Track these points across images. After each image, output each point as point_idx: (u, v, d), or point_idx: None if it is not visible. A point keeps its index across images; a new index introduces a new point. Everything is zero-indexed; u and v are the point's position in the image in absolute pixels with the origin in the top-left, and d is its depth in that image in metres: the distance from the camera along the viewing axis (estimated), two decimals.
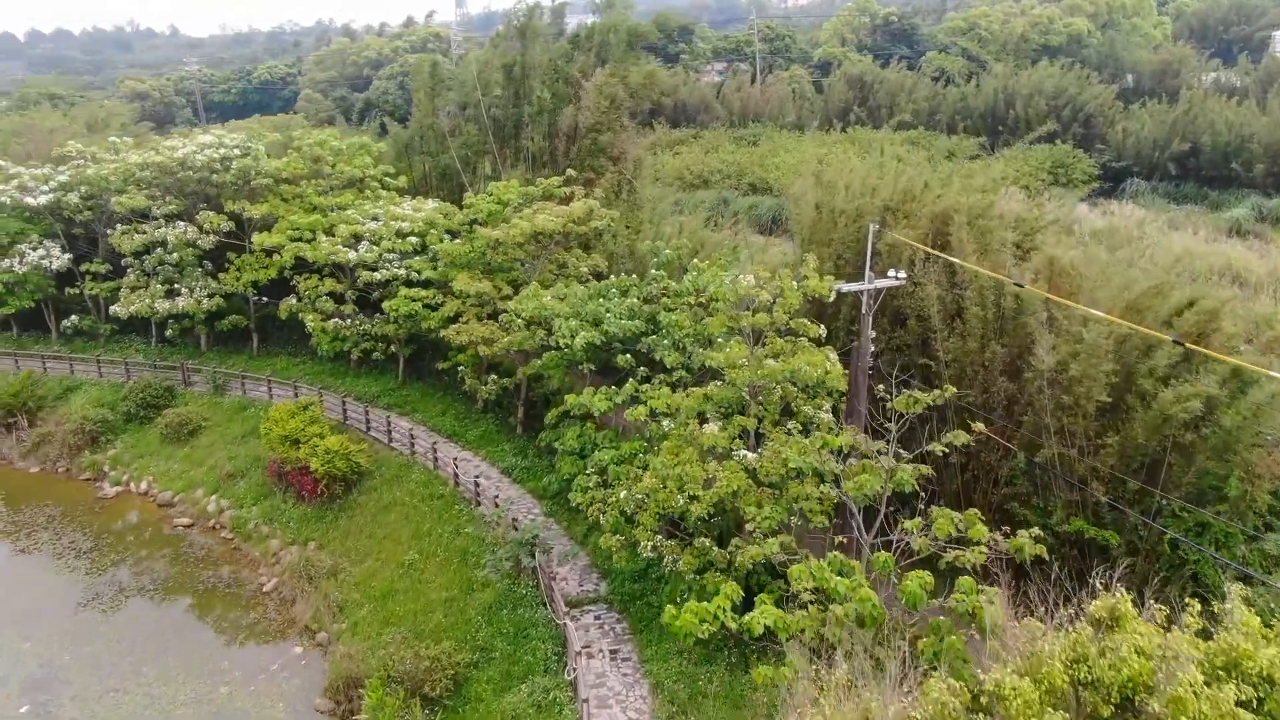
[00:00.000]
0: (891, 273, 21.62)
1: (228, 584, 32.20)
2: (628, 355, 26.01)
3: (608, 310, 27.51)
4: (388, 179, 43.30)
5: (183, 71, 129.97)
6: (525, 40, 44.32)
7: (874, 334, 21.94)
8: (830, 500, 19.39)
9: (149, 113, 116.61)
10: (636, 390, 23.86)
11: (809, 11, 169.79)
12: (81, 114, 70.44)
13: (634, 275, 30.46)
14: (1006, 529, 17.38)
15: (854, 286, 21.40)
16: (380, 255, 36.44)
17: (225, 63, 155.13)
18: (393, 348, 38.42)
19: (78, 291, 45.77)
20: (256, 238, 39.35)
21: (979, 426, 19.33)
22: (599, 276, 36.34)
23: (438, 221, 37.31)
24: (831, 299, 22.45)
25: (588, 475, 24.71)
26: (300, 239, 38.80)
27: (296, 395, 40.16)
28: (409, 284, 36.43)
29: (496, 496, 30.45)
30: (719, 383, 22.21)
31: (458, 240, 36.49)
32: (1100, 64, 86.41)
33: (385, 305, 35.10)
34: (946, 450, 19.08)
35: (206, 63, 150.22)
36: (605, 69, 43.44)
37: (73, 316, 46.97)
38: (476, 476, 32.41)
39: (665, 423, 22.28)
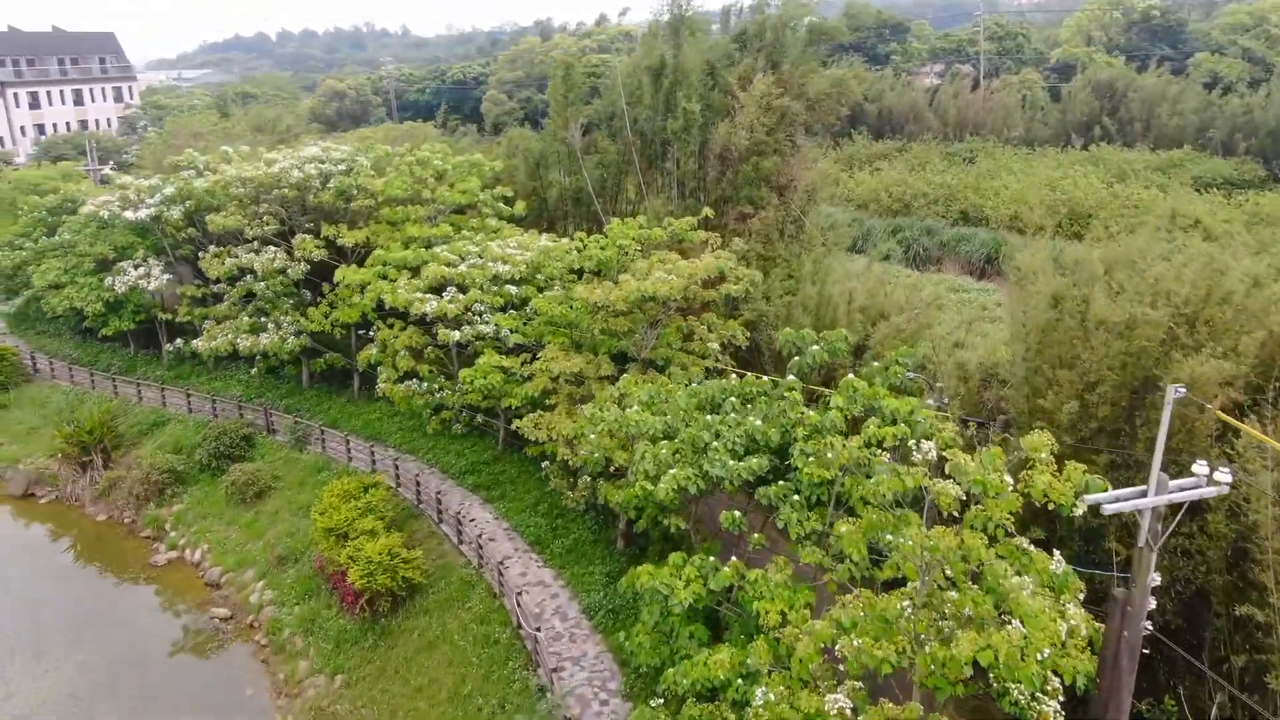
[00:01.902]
0: (1201, 468, 11.54)
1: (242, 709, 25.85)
2: (769, 488, 17.30)
3: (716, 434, 18.60)
4: (502, 205, 36.00)
5: (380, 71, 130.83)
6: (678, 38, 35.80)
7: (1156, 577, 11.91)
8: None
9: (345, 112, 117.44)
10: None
11: (1046, 6, 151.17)
12: (251, 116, 68.55)
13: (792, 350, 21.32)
14: None
15: (1130, 504, 11.48)
16: (466, 307, 29.01)
17: (441, 61, 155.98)
18: (480, 418, 31.05)
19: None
20: (339, 272, 33.06)
21: None
22: (739, 355, 27.38)
23: (546, 266, 29.44)
24: (1079, 510, 12.54)
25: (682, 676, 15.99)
26: (386, 276, 32.14)
27: (374, 462, 33.62)
28: (499, 345, 28.88)
29: (559, 668, 22.22)
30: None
31: (557, 290, 28.53)
32: None
33: (461, 374, 27.65)
34: None
35: (428, 62, 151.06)
36: (775, 74, 34.23)
37: (178, 340, 42.90)
38: (551, 613, 24.45)
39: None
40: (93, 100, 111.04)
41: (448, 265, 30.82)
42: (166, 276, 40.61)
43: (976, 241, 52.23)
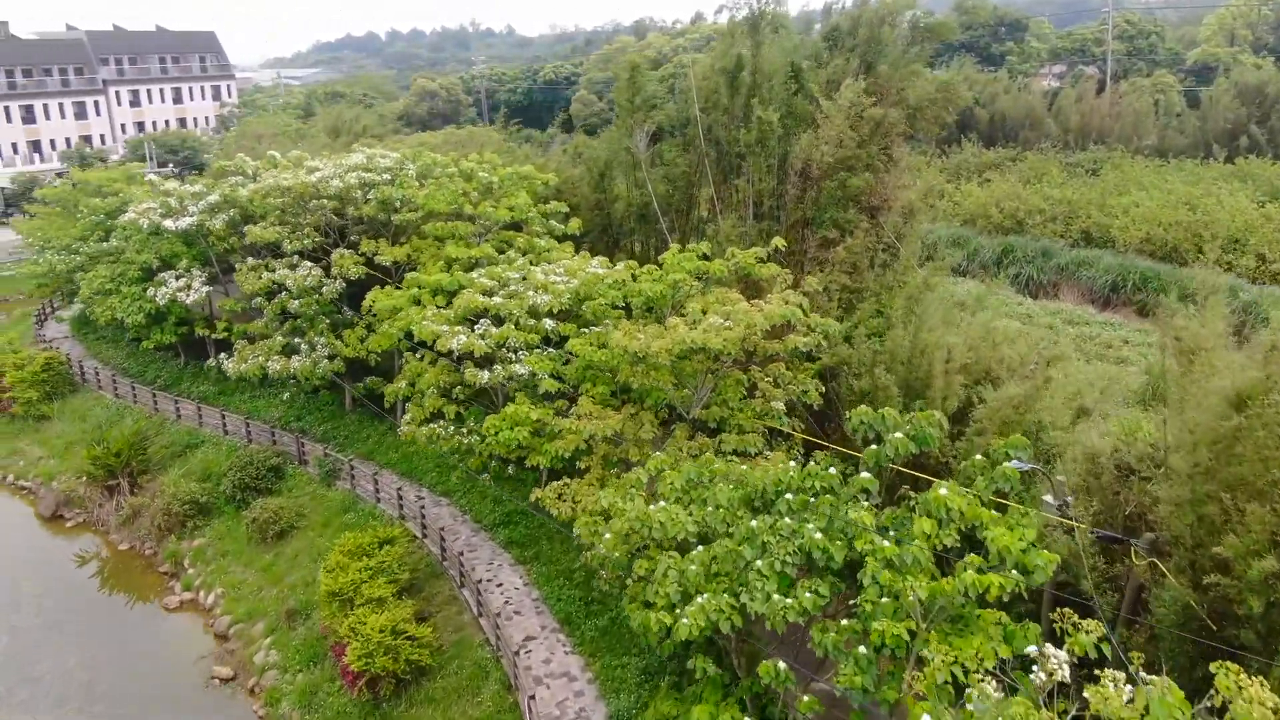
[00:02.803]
0: None
1: None
2: (827, 634, 12.95)
3: (763, 547, 14.26)
4: (555, 223, 32.13)
5: (472, 70, 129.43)
6: (758, 35, 31.38)
7: None
8: None
9: (436, 112, 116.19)
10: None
11: (1182, 2, 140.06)
12: (328, 117, 66.78)
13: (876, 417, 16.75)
14: None
15: None
16: (499, 343, 25.26)
17: (541, 61, 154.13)
18: (511, 469, 27.30)
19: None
20: (370, 296, 29.79)
21: None
22: (810, 416, 22.92)
23: (592, 297, 25.42)
24: None
25: None
26: (420, 302, 28.70)
27: (400, 506, 30.25)
28: (534, 390, 25.04)
29: None
30: None
31: (604, 328, 24.52)
32: None
33: (486, 424, 23.89)
34: None
35: (528, 61, 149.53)
36: (870, 77, 29.52)
37: (221, 354, 40.53)
38: (572, 717, 20.53)
39: None
40: (191, 99, 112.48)
41: (485, 293, 27.15)
42: (206, 288, 38.21)
43: (1100, 267, 46.05)
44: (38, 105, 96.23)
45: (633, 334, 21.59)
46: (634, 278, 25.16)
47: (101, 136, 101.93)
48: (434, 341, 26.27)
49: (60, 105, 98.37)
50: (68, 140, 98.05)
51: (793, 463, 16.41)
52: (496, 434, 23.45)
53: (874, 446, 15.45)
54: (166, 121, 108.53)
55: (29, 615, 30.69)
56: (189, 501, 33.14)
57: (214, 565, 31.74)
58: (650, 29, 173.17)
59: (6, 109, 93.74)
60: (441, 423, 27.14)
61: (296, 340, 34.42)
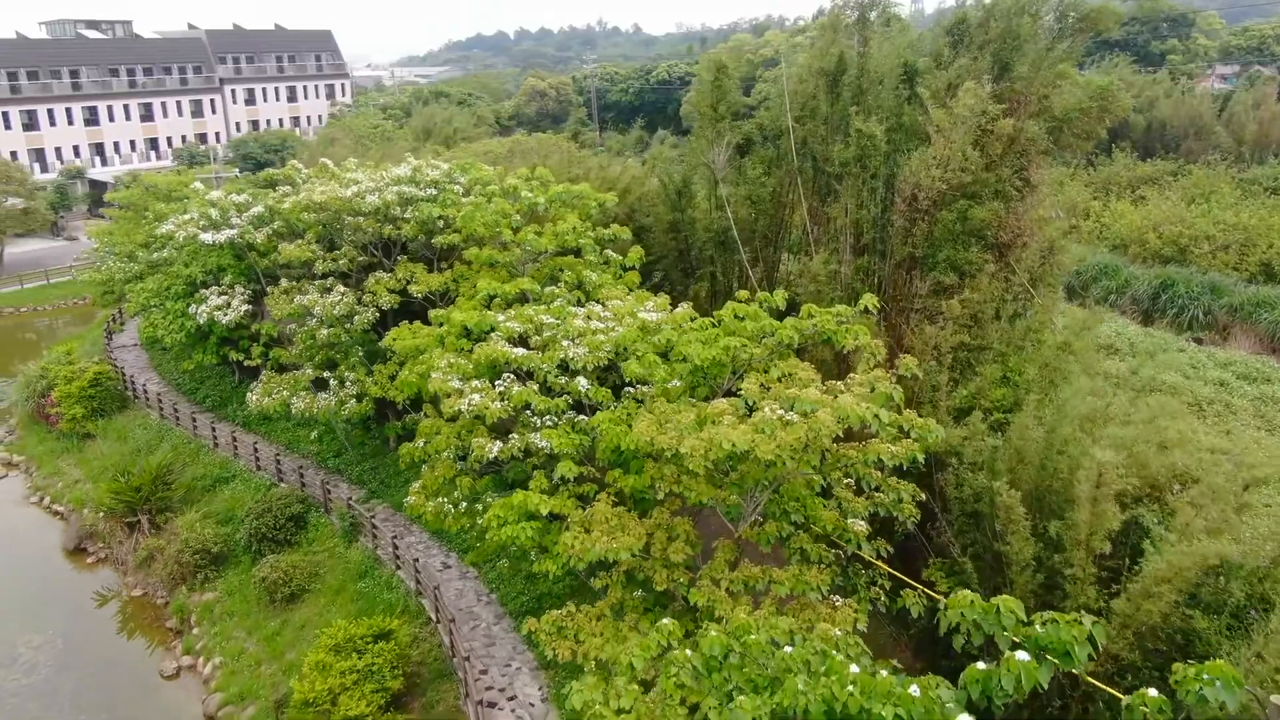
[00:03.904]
0: None
1: None
2: None
3: None
4: (610, 252, 27.16)
5: (584, 70, 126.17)
6: (864, 31, 25.70)
7: None
8: None
9: (545, 112, 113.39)
10: None
11: None
12: (421, 118, 63.95)
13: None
14: None
15: None
16: (517, 407, 20.55)
17: (661, 59, 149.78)
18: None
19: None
20: (390, 335, 25.62)
21: None
22: (927, 544, 17.44)
23: (635, 352, 20.35)
24: None
25: None
26: (445, 342, 24.29)
27: (417, 579, 25.98)
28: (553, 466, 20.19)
29: None
30: None
31: (648, 388, 19.52)
32: None
33: (488, 516, 19.19)
34: None
35: (651, 60, 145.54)
36: (1005, 81, 23.51)
37: (254, 383, 37.36)
38: None
39: None
40: (305, 97, 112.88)
41: (513, 339, 22.51)
42: (246, 307, 34.97)
43: None
44: (156, 103, 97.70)
45: (665, 417, 16.50)
46: (684, 331, 20.02)
47: (216, 134, 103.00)
48: (443, 395, 21.79)
49: (178, 103, 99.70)
50: (183, 138, 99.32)
51: (855, 667, 10.97)
52: (500, 526, 18.74)
53: (981, 666, 9.90)
54: (280, 120, 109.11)
55: (21, 673, 27.83)
56: (201, 550, 29.80)
57: (219, 627, 28.25)
58: (773, 26, 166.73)
59: (126, 107, 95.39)
60: (456, 494, 22.60)
61: (326, 374, 30.70)
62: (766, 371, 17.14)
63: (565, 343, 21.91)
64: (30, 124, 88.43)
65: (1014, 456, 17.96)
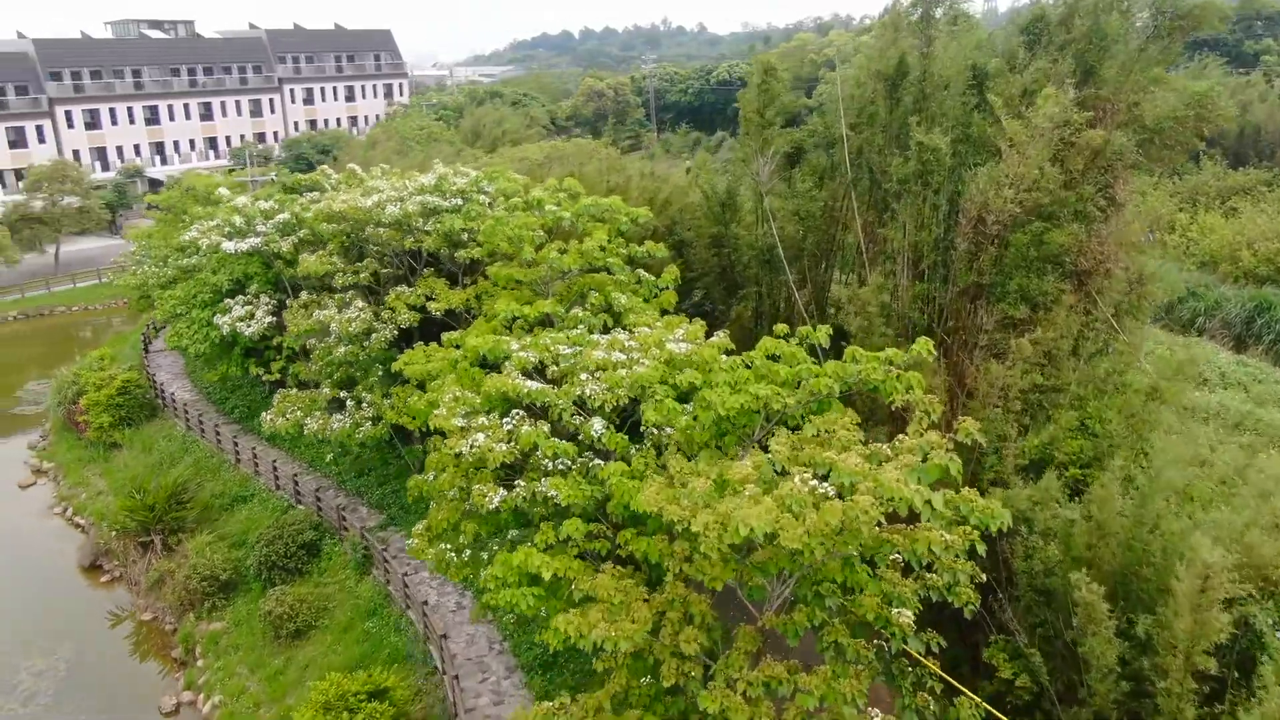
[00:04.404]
0: None
1: None
2: None
3: None
4: (645, 271, 24.83)
5: (642, 70, 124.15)
6: (929, 30, 23.00)
7: None
8: None
9: (603, 112, 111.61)
10: None
11: None
12: (470, 120, 62.37)
13: None
14: None
15: None
16: (525, 450, 18.42)
17: (725, 59, 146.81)
18: None
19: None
20: (402, 359, 23.70)
21: None
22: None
23: (651, 390, 18.02)
24: None
25: None
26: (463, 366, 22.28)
27: (425, 623, 24.04)
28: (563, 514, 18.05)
29: None
30: None
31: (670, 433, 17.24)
32: None
33: (488, 573, 17.10)
34: None
35: (715, 60, 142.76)
36: (1085, 87, 20.69)
37: (294, 390, 35.97)
38: None
39: None
40: (363, 97, 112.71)
41: (527, 370, 20.42)
42: (270, 319, 33.49)
43: None
44: (215, 103, 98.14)
45: (683, 476, 14.22)
46: (709, 370, 17.68)
47: (275, 134, 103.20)
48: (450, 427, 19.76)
49: (236, 103, 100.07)
50: (241, 137, 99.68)
51: None
52: (499, 589, 16.63)
53: None
54: (338, 120, 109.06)
55: (18, 703, 26.61)
56: (209, 577, 28.32)
57: (222, 661, 26.71)
58: (839, 26, 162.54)
59: (186, 106, 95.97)
60: (462, 539, 20.54)
61: (344, 394, 29.01)
62: (799, 428, 14.71)
63: (583, 376, 19.75)
64: (93, 123, 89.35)
65: (1094, 530, 15.26)
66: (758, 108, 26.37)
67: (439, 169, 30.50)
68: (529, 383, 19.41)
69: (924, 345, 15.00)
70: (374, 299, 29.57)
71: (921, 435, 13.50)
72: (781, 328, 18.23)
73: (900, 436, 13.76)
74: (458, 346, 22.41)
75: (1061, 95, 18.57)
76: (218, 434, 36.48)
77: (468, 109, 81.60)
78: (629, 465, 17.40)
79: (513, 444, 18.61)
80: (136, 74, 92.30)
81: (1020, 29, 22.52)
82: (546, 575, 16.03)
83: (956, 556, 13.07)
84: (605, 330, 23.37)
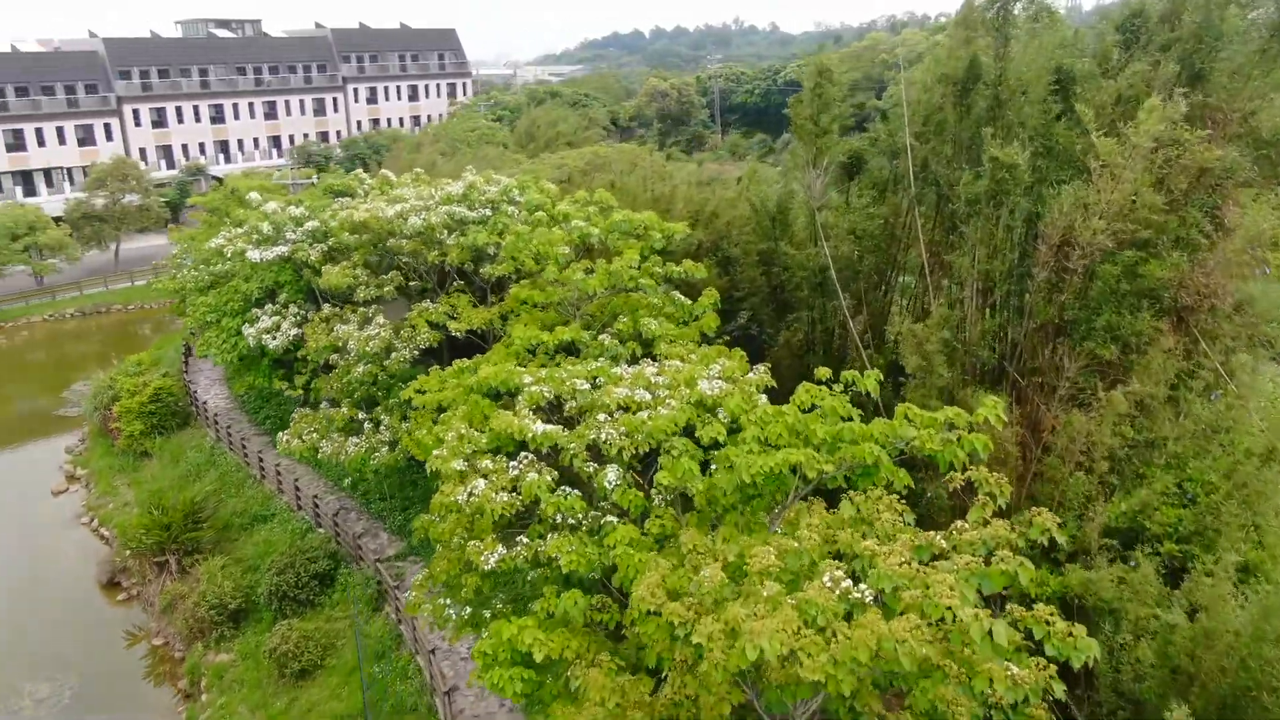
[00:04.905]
0: None
1: None
2: None
3: None
4: (681, 295, 22.50)
5: (707, 70, 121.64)
6: (1006, 28, 20.23)
7: None
8: None
9: (666, 113, 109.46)
10: None
11: None
12: (524, 121, 60.73)
13: None
14: None
15: None
16: (529, 502, 16.30)
17: (792, 59, 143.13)
18: None
19: None
20: (411, 387, 21.84)
21: None
22: None
23: (683, 461, 15.67)
24: None
25: None
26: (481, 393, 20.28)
27: (430, 679, 22.10)
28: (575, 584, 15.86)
29: None
30: None
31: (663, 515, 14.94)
32: None
33: (477, 646, 15.00)
34: None
35: (786, 60, 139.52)
36: (1194, 94, 17.77)
37: (324, 405, 34.54)
38: None
39: None
40: (426, 96, 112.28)
41: (539, 405, 18.34)
42: (295, 331, 32.00)
43: None
44: (280, 101, 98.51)
45: (696, 557, 11.93)
46: (737, 423, 15.32)
47: (337, 133, 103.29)
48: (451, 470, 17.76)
49: (300, 102, 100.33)
50: (305, 136, 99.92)
51: None
52: (487, 668, 14.53)
53: None
54: (400, 119, 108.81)
55: None
56: (217, 605, 26.87)
57: (225, 699, 25.16)
58: (913, 25, 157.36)
59: (251, 105, 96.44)
60: (464, 593, 18.51)
61: (362, 415, 27.32)
62: (846, 489, 12.29)
63: (601, 417, 17.56)
64: (159, 121, 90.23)
65: (1199, 637, 12.51)
66: (811, 114, 23.80)
67: (468, 176, 28.59)
68: (537, 425, 17.31)
69: (992, 409, 12.43)
70: (399, 313, 27.81)
71: (985, 523, 10.95)
72: (823, 371, 15.79)
73: (959, 524, 11.23)
74: (458, 377, 20.43)
75: (1171, 108, 15.71)
76: (244, 447, 35.22)
77: (525, 109, 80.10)
78: (641, 528, 15.20)
79: (515, 494, 16.52)
80: (203, 73, 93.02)
81: (1114, 27, 19.63)
82: (539, 655, 13.88)
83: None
84: (634, 360, 21.19)
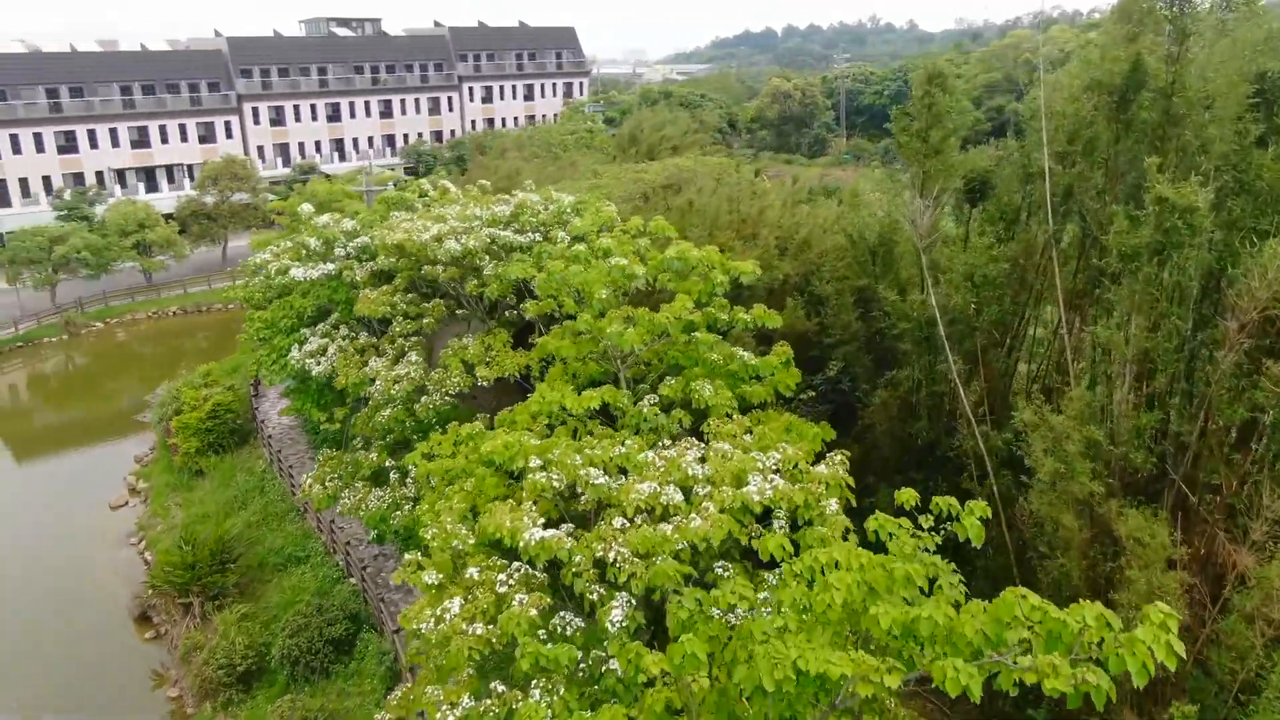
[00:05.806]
0: None
1: None
2: None
3: None
4: (742, 352, 18.26)
5: (834, 69, 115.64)
6: (1181, 19, 15.21)
7: None
8: None
9: (789, 115, 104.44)
10: None
11: None
12: (626, 126, 57.26)
13: None
14: None
15: None
16: (507, 638, 12.57)
17: (923, 58, 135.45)
18: None
19: None
20: (415, 452, 18.47)
21: None
22: None
23: (694, 641, 11.63)
24: None
25: None
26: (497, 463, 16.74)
27: None
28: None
29: None
30: None
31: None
32: None
33: None
34: None
35: (922, 57, 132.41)
36: None
37: (357, 443, 31.81)
38: None
39: None
40: (542, 95, 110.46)
41: (547, 494, 14.67)
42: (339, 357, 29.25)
43: None
44: (395, 100, 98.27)
45: None
46: (799, 562, 11.14)
47: (452, 132, 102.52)
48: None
49: (416, 101, 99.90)
50: (419, 135, 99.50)
51: None
52: None
53: None
54: (515, 119, 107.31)
55: None
56: (226, 666, 24.25)
57: None
58: (1062, 21, 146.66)
59: (367, 104, 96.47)
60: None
61: (389, 464, 24.21)
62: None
63: (618, 522, 13.73)
64: (277, 119, 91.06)
65: None
66: (918, 129, 19.21)
67: (523, 194, 25.12)
68: (533, 531, 13.54)
69: (1161, 619, 7.82)
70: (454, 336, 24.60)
71: None
72: (908, 494, 11.44)
73: None
74: (466, 444, 16.89)
75: None
76: (291, 477, 32.84)
77: (634, 110, 76.74)
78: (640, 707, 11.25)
79: (493, 627, 12.85)
80: (321, 71, 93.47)
81: None
82: None
83: None
84: (683, 431, 17.22)
